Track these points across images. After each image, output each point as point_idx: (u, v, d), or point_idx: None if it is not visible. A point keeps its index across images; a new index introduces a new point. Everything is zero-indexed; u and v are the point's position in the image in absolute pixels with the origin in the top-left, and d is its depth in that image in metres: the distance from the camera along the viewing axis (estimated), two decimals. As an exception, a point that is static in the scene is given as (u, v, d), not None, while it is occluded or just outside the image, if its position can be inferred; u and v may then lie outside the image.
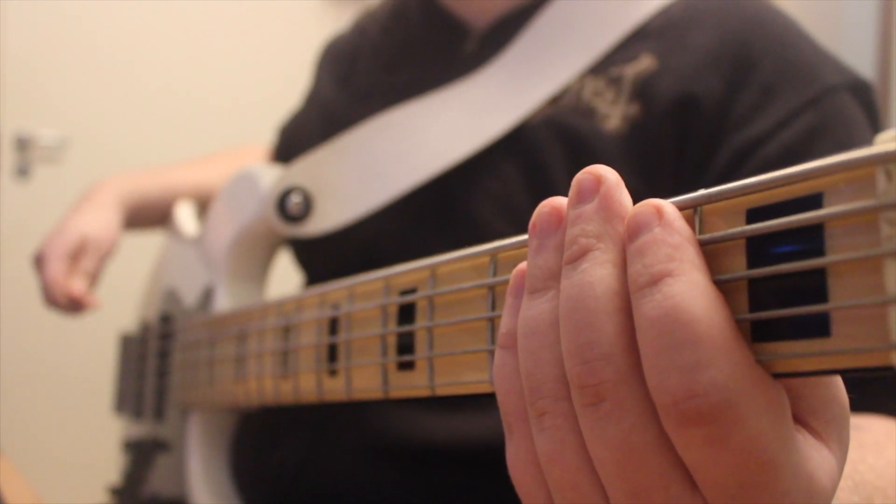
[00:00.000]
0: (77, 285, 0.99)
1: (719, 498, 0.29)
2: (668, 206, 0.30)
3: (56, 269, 0.97)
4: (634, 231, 0.31)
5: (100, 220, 1.00)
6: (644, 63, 0.72)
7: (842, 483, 0.44)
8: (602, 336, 0.30)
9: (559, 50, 0.76)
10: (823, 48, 0.74)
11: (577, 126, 0.72)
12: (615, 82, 0.72)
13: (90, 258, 1.00)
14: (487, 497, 0.67)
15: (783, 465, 0.29)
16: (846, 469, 0.47)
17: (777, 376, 0.28)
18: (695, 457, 0.29)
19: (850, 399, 0.60)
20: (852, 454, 0.49)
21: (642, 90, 0.71)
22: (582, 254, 0.31)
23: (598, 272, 0.31)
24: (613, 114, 0.71)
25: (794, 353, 0.27)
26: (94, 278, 1.02)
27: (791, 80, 0.69)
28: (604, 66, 0.73)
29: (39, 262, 1.00)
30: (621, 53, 0.73)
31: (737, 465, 0.28)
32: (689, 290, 0.28)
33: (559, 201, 0.34)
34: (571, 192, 0.33)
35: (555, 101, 0.74)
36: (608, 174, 0.33)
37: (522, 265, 0.36)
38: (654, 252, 0.29)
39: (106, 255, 1.01)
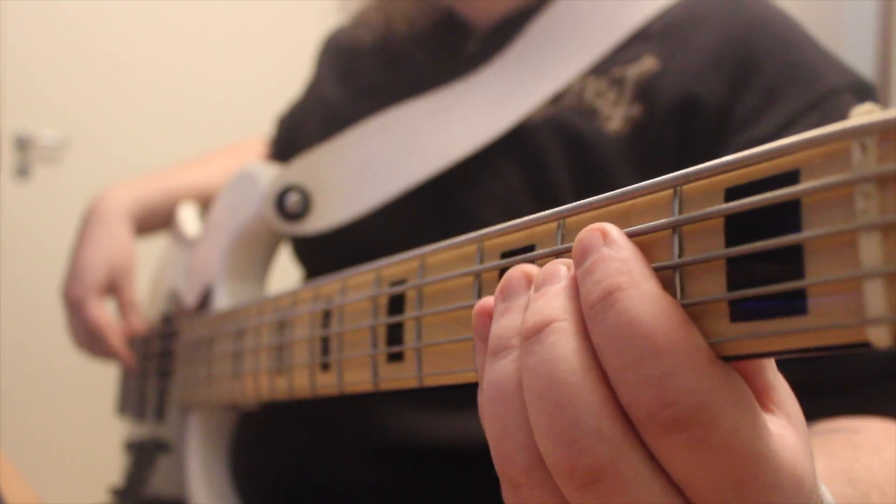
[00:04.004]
0: (137, 322, 0.99)
1: None
2: (612, 227, 0.30)
3: (102, 311, 0.96)
4: (581, 255, 0.30)
5: (115, 242, 0.98)
6: (646, 64, 0.72)
7: (835, 477, 0.44)
8: (588, 410, 0.29)
9: (561, 50, 0.76)
10: (826, 50, 0.73)
11: (578, 126, 0.72)
12: (617, 83, 0.72)
13: (127, 289, 0.98)
14: (488, 497, 0.66)
15: (764, 455, 0.29)
16: (839, 465, 0.47)
17: (754, 357, 0.28)
18: (681, 466, 0.29)
19: (849, 401, 0.60)
20: (845, 454, 0.50)
21: (644, 91, 0.71)
22: (546, 324, 0.30)
23: (569, 344, 0.30)
24: (615, 115, 0.71)
25: (771, 331, 0.26)
26: (136, 306, 1.01)
27: (794, 81, 0.69)
28: (606, 67, 0.73)
29: (75, 305, 0.96)
30: (624, 54, 0.73)
31: (722, 464, 0.28)
32: (642, 301, 0.28)
33: (530, 269, 0.34)
34: (537, 278, 0.33)
35: (556, 100, 0.73)
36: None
37: (486, 300, 0.35)
38: (603, 268, 0.29)
39: (133, 275, 1.00)
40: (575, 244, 0.31)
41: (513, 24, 0.80)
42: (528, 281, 0.33)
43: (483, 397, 0.33)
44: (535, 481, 0.31)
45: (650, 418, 0.28)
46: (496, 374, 0.32)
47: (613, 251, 0.30)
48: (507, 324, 0.33)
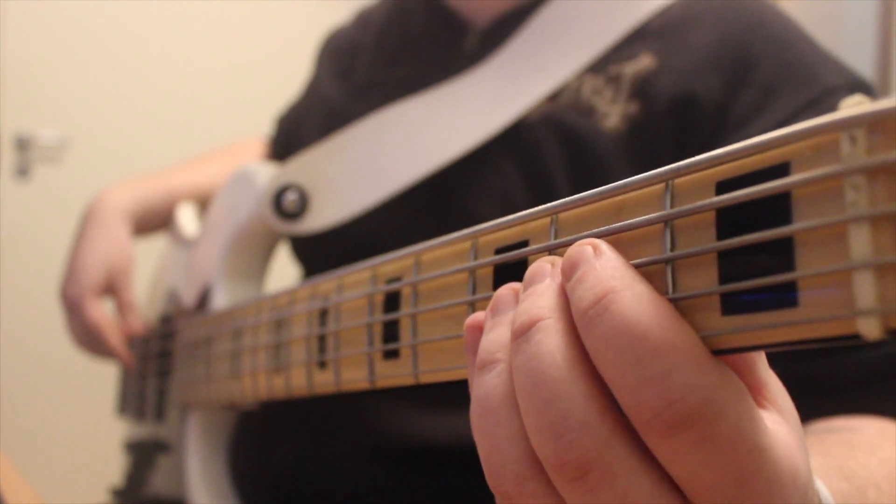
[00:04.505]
0: (136, 323, 0.99)
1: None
2: (601, 241, 0.31)
3: (99, 311, 0.96)
4: (571, 267, 0.31)
5: (113, 242, 0.97)
6: (644, 62, 0.72)
7: (831, 473, 0.44)
8: (574, 404, 0.29)
9: (558, 47, 0.76)
10: (824, 49, 0.73)
11: (575, 124, 0.72)
12: (614, 81, 0.72)
13: (125, 289, 0.98)
14: (487, 497, 0.66)
15: (764, 449, 0.29)
16: (835, 462, 0.47)
17: (745, 350, 0.28)
18: (686, 465, 0.28)
19: (846, 401, 0.60)
20: (841, 451, 0.49)
21: (641, 89, 0.71)
22: (532, 324, 0.31)
23: (554, 341, 0.30)
24: (612, 112, 0.71)
25: (763, 324, 0.26)
26: (134, 306, 1.01)
27: (791, 80, 0.69)
28: (603, 65, 0.73)
29: (72, 305, 0.96)
30: (621, 52, 0.73)
31: (728, 460, 0.28)
32: (635, 303, 0.28)
33: (519, 285, 0.34)
34: (524, 280, 0.33)
35: (553, 98, 0.73)
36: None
37: (477, 315, 0.35)
38: (595, 275, 0.29)
39: (131, 276, 0.99)
40: (564, 258, 0.31)
41: (510, 22, 0.80)
42: (517, 296, 0.33)
43: (472, 412, 0.33)
44: (526, 493, 0.31)
45: (655, 418, 0.27)
46: (483, 389, 0.32)
47: (604, 260, 0.30)
48: (493, 338, 0.33)
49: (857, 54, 1.65)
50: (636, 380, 0.28)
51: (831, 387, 0.60)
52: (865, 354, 0.60)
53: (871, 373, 0.61)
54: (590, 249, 0.30)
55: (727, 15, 0.73)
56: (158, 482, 0.97)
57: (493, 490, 0.32)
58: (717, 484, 0.28)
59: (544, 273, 0.32)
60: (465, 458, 0.71)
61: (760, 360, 0.32)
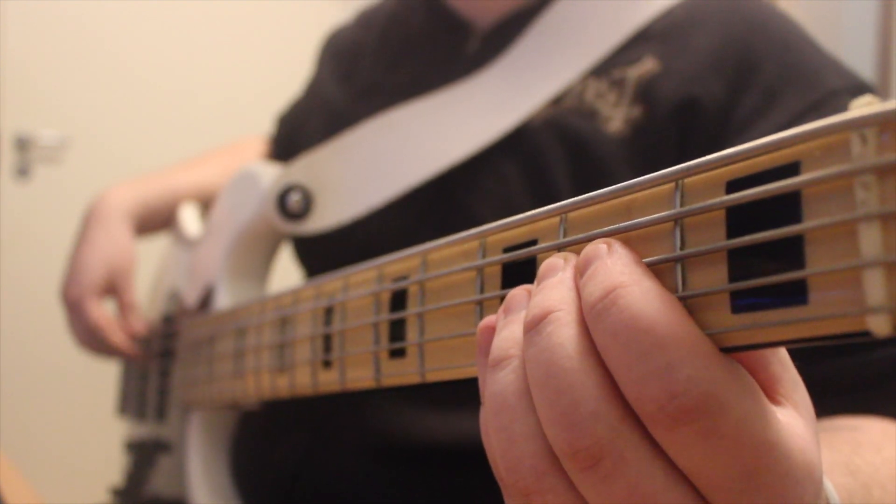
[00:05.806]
0: (137, 323, 0.99)
1: (731, 498, 0.29)
2: (616, 241, 0.31)
3: (101, 311, 0.95)
4: (585, 264, 0.31)
5: (114, 242, 0.97)
6: (647, 65, 0.72)
7: (835, 468, 0.44)
8: (585, 394, 0.29)
9: (562, 51, 0.76)
10: (826, 52, 0.73)
11: (578, 127, 0.72)
12: (618, 84, 0.72)
13: (126, 290, 0.98)
14: (489, 497, 0.66)
15: (775, 443, 0.29)
16: (840, 458, 0.47)
17: (756, 347, 0.28)
18: (693, 459, 0.29)
19: (849, 401, 0.60)
20: (846, 448, 0.50)
21: (645, 92, 0.71)
22: (544, 315, 0.31)
23: (566, 332, 0.30)
24: (616, 116, 0.71)
25: (772, 322, 0.27)
26: (135, 306, 1.01)
27: (793, 83, 0.69)
28: (606, 68, 0.73)
29: (74, 306, 0.96)
30: (624, 55, 0.73)
31: (734, 454, 0.28)
32: (642, 297, 0.29)
33: (531, 287, 0.34)
34: (537, 275, 0.34)
35: (557, 102, 0.74)
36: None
37: (489, 318, 0.35)
38: (604, 271, 0.30)
39: (132, 276, 0.99)
40: (580, 256, 0.32)
41: (513, 24, 0.80)
42: (530, 296, 0.34)
43: (485, 411, 0.33)
44: (546, 488, 0.31)
45: (659, 411, 0.28)
46: (497, 386, 0.32)
47: (617, 257, 0.30)
48: (507, 335, 0.33)
49: (857, 54, 1.65)
50: (641, 373, 0.28)
51: (834, 387, 0.60)
52: (869, 355, 0.60)
53: (874, 374, 0.61)
54: (604, 247, 0.31)
55: (730, 17, 0.73)
56: (159, 482, 0.97)
57: (509, 486, 0.32)
58: (724, 477, 0.29)
59: (556, 268, 0.32)
60: (467, 457, 0.71)
61: (774, 355, 0.32)
